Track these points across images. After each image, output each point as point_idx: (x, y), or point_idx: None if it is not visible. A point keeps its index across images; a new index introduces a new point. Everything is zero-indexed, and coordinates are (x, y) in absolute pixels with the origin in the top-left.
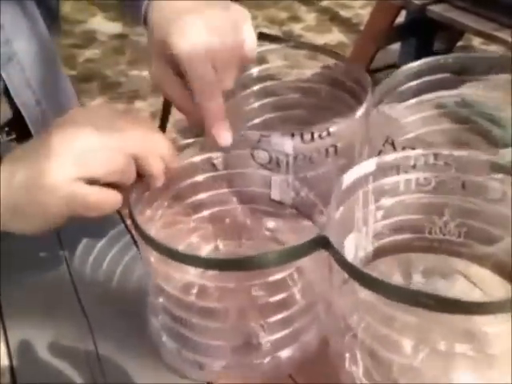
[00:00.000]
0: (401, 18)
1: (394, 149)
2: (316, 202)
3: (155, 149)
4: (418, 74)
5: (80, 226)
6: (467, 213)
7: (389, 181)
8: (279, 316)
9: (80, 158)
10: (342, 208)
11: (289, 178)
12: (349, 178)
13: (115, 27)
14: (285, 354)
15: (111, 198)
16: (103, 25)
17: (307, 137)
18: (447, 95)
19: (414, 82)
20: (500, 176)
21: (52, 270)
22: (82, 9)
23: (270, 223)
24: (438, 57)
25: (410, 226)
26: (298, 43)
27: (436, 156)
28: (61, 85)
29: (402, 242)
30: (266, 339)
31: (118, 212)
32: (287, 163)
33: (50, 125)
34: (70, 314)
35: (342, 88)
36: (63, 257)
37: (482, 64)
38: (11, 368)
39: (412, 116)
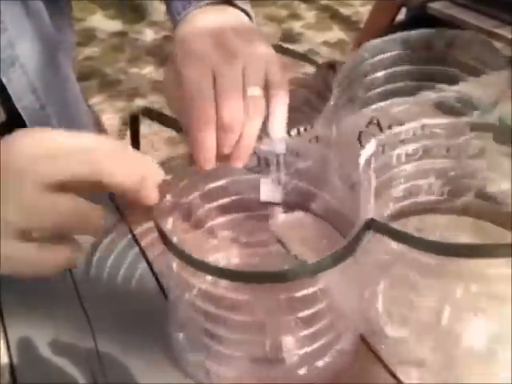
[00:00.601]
0: (401, 15)
1: (381, 129)
2: (310, 188)
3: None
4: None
5: None
6: (450, 172)
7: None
8: (304, 332)
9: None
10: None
11: (280, 175)
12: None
13: (115, 25)
14: (319, 364)
15: (53, 258)
16: (103, 23)
17: (293, 132)
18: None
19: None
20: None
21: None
22: (82, 7)
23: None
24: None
25: (403, 195)
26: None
27: (423, 127)
28: (68, 87)
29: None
30: (292, 353)
31: (118, 208)
32: (277, 162)
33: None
34: (70, 313)
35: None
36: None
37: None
38: (11, 366)
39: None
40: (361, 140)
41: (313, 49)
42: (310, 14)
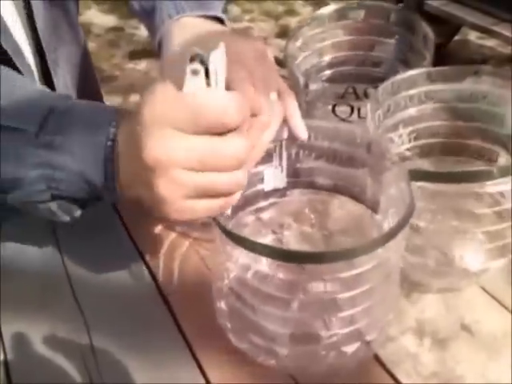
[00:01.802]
0: None
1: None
2: (314, 167)
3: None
4: None
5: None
6: None
7: None
8: (343, 314)
9: None
10: None
11: (282, 162)
12: None
13: (110, 20)
14: (349, 349)
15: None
16: (98, 18)
17: None
18: (448, 89)
19: None
20: None
21: (47, 264)
22: None
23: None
24: None
25: None
26: None
27: None
28: (92, 89)
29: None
30: (329, 333)
31: (114, 206)
32: (280, 147)
33: None
34: (65, 309)
35: None
36: (58, 251)
37: None
38: (5, 363)
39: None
40: (335, 111)
41: None
42: (306, 10)
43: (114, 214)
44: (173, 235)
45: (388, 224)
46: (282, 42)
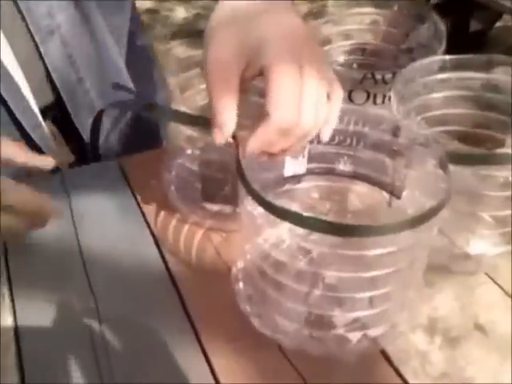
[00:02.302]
0: None
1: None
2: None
3: None
4: None
5: (90, 197)
6: None
7: None
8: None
9: None
10: None
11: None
12: None
13: (146, 2)
14: (373, 332)
15: None
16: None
17: None
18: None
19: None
20: None
21: (61, 238)
22: None
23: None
24: None
25: None
26: None
27: None
28: (110, 61)
29: None
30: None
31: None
32: None
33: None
34: (75, 285)
35: None
36: (73, 229)
37: None
38: (15, 329)
39: (435, 93)
40: (351, 97)
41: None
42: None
43: (132, 197)
44: (187, 225)
45: (413, 208)
46: (315, 23)
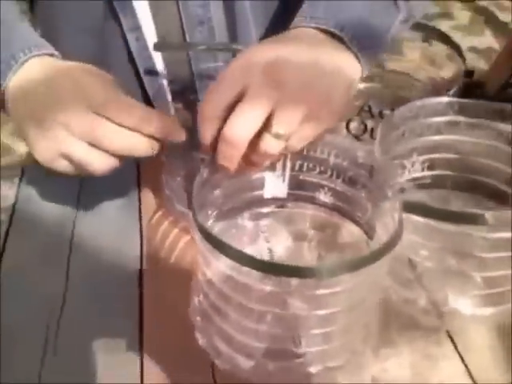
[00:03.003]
0: None
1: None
2: (317, 181)
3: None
4: None
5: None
6: None
7: None
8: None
9: None
10: None
11: (285, 172)
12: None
13: None
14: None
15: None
16: None
17: None
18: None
19: None
20: None
21: (60, 223)
22: None
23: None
24: None
25: None
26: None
27: None
28: None
29: None
30: (303, 350)
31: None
32: (285, 156)
33: None
34: (53, 273)
35: None
36: (74, 216)
37: None
38: None
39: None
40: (349, 127)
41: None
42: (463, 15)
43: (137, 193)
44: (176, 229)
45: None
46: (423, 45)
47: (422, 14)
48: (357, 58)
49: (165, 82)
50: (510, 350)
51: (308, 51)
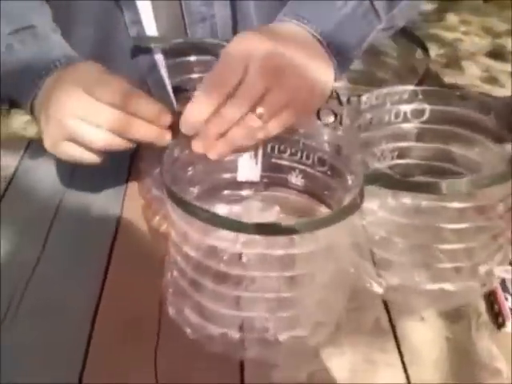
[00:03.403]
0: None
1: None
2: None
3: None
4: None
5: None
6: None
7: None
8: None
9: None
10: None
11: (258, 155)
12: None
13: None
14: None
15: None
16: None
17: None
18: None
19: None
20: None
21: (49, 198)
22: None
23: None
24: None
25: None
26: None
27: None
28: None
29: None
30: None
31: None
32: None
33: None
34: (33, 235)
35: None
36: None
37: None
38: None
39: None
40: (319, 115)
41: None
42: None
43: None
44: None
45: None
46: (489, 62)
47: (404, 23)
48: (331, 60)
49: (165, 75)
50: (459, 366)
51: (296, 48)
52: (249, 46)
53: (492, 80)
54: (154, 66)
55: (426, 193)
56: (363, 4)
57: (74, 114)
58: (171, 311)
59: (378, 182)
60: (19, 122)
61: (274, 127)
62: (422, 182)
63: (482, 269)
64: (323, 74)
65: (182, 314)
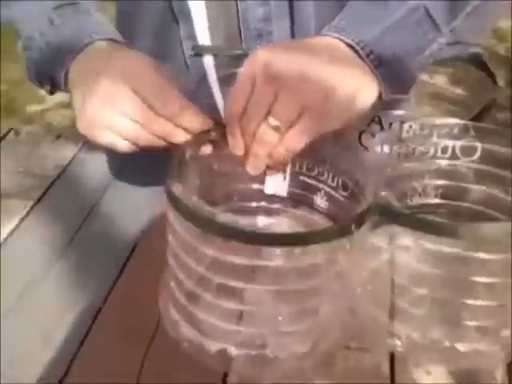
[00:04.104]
0: None
1: (382, 127)
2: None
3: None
4: None
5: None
6: None
7: None
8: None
9: None
10: None
11: (286, 171)
12: None
13: None
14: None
15: None
16: None
17: None
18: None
19: None
20: None
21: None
22: None
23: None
24: None
25: None
26: None
27: None
28: None
29: None
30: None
31: None
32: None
33: None
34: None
35: None
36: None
37: None
38: None
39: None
40: (361, 140)
41: None
42: None
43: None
44: None
45: None
46: None
47: (475, 40)
48: (374, 74)
49: (216, 90)
50: None
51: (311, 53)
52: (254, 60)
53: None
54: (204, 77)
55: (443, 236)
56: (417, 12)
57: (117, 111)
58: (167, 324)
59: (387, 215)
60: None
61: (295, 139)
62: (442, 224)
63: (507, 332)
64: (349, 81)
65: (178, 327)
